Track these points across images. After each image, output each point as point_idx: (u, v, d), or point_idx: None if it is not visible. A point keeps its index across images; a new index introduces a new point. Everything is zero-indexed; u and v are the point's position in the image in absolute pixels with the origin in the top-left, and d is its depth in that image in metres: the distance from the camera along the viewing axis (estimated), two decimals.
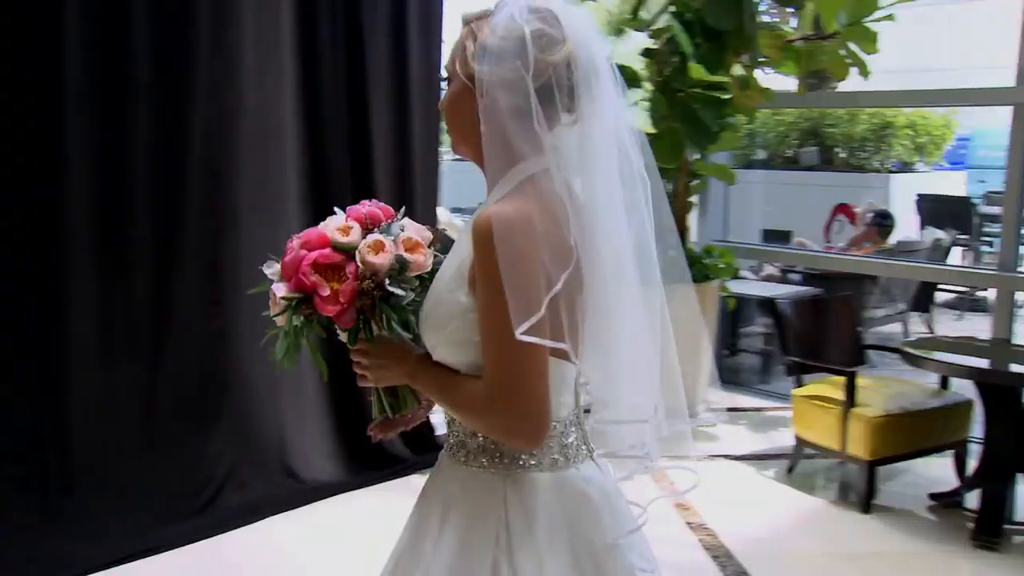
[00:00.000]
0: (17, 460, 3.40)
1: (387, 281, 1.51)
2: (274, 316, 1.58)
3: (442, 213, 5.65)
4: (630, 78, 4.37)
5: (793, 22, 5.30)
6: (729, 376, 6.48)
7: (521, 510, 1.48)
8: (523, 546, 1.46)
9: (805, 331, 4.68)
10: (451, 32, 4.86)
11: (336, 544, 3.68)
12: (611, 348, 1.51)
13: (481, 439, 1.51)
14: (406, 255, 1.54)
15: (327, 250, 1.52)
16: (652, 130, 4.44)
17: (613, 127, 1.48)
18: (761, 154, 10.72)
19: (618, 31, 4.62)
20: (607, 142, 1.47)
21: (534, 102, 1.40)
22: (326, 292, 1.50)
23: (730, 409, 5.73)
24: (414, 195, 4.54)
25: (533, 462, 1.49)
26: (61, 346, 3.45)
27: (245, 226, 3.89)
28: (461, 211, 8.42)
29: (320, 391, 4.25)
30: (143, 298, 3.66)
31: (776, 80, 5.36)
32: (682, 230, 5.56)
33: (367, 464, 4.29)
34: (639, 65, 4.48)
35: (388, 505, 4.03)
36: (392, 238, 1.55)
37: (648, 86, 4.51)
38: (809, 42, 4.98)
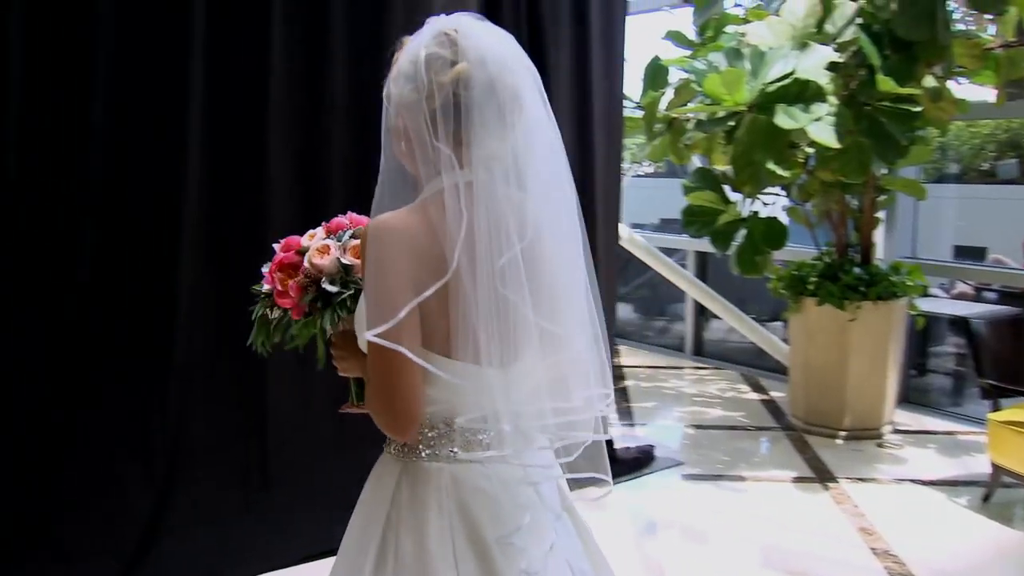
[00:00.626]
0: (220, 456, 3.66)
1: (323, 279, 1.70)
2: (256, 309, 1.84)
3: (623, 230, 5.71)
4: (815, 92, 4.31)
5: (991, 29, 5.07)
6: (917, 397, 6.22)
7: (412, 495, 1.57)
8: (408, 528, 1.55)
9: (1003, 352, 4.47)
10: (633, 48, 4.96)
11: None
12: (559, 345, 1.57)
13: None
14: (349, 259, 1.73)
15: (291, 252, 1.76)
16: (837, 145, 4.35)
17: (545, 138, 1.57)
18: (954, 168, 10.22)
19: (802, 45, 4.55)
20: (542, 154, 1.56)
21: (438, 119, 1.48)
22: (279, 287, 1.74)
23: (918, 431, 5.50)
24: (595, 211, 4.61)
25: (427, 453, 1.58)
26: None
27: None
28: (642, 227, 8.45)
29: None
30: None
31: (971, 90, 5.14)
32: (868, 246, 5.40)
33: None
34: (824, 79, 4.40)
35: None
36: (340, 244, 1.75)
37: (833, 100, 4.42)
38: (1010, 49, 4.75)
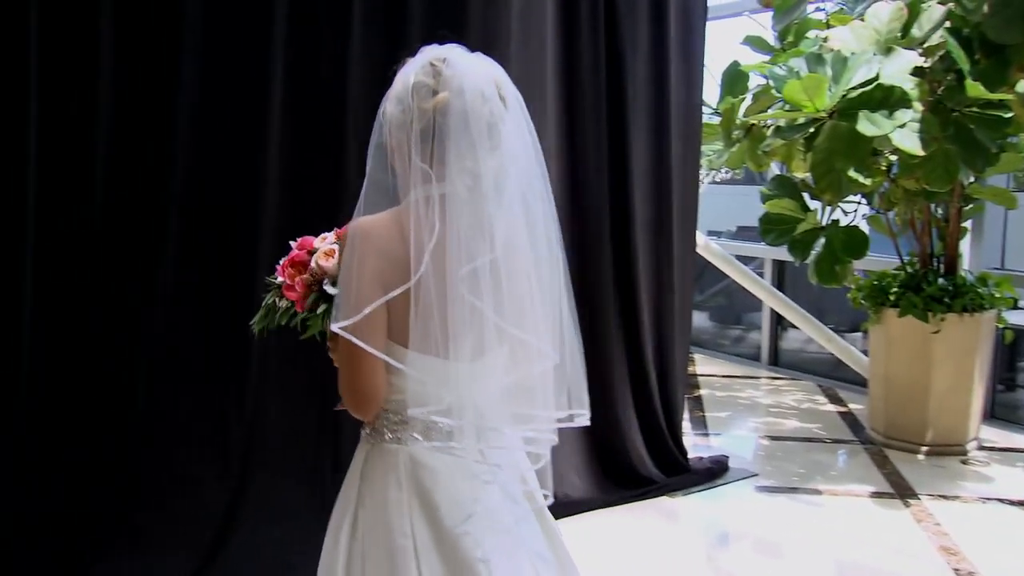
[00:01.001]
0: (293, 453, 3.71)
1: (325, 280, 1.85)
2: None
3: (699, 237, 5.64)
4: (899, 98, 4.20)
5: None
6: (1005, 413, 6.02)
7: (375, 473, 1.76)
8: (371, 502, 1.75)
9: None
10: (712, 54, 4.90)
11: (582, 562, 3.74)
12: (530, 356, 1.74)
13: None
14: None
15: (303, 252, 1.92)
16: (921, 152, 4.23)
17: (522, 163, 1.75)
18: None
19: (887, 50, 4.44)
20: (518, 177, 1.74)
21: (414, 140, 1.67)
22: (288, 281, 1.91)
23: (1006, 449, 5.33)
24: (671, 218, 4.57)
25: (390, 436, 1.76)
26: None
27: None
28: (718, 235, 8.35)
29: None
30: None
31: None
32: (953, 257, 5.25)
33: (617, 482, 4.34)
34: (909, 85, 4.28)
35: (636, 526, 4.08)
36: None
37: (918, 106, 4.30)
38: None
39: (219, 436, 3.60)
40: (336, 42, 3.64)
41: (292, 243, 1.97)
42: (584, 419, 1.85)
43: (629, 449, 4.41)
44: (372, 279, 1.65)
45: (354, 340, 1.64)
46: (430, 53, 1.73)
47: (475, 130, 1.67)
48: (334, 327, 1.64)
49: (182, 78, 3.37)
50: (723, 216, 8.84)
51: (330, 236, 1.92)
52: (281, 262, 1.95)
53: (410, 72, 1.71)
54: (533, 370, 1.75)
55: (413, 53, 1.78)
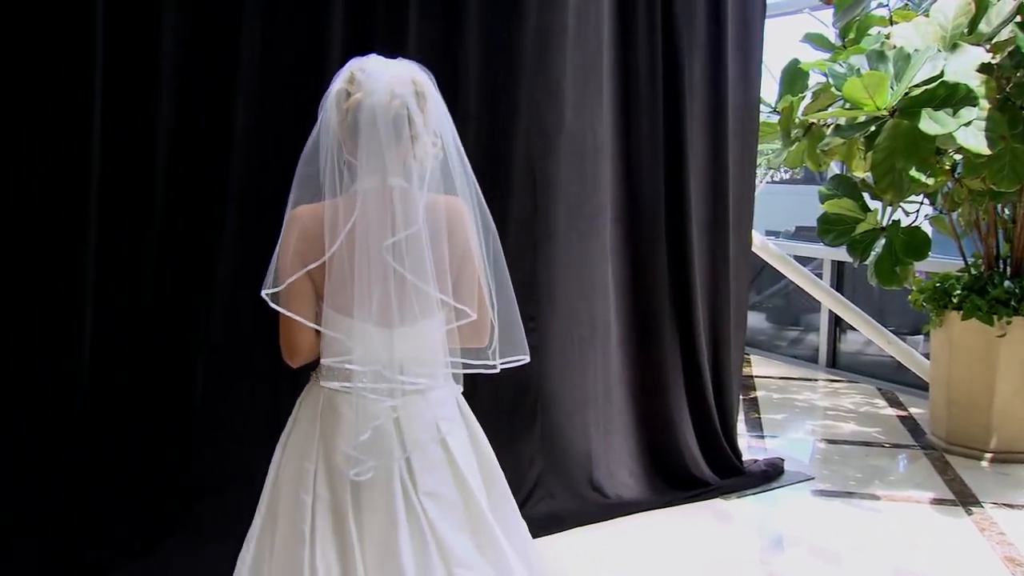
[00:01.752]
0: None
1: None
2: None
3: (756, 237, 5.57)
4: (964, 96, 4.10)
5: None
6: None
7: (304, 409, 2.11)
8: (293, 428, 2.13)
9: None
10: (770, 52, 4.83)
11: (635, 563, 3.72)
12: (451, 313, 2.07)
13: None
14: None
15: None
16: (987, 151, 4.13)
17: (458, 155, 2.05)
18: None
19: (952, 46, 4.34)
20: (455, 167, 2.04)
21: (343, 137, 2.00)
22: None
23: None
24: (728, 218, 4.52)
25: (321, 380, 2.09)
26: None
27: (561, 245, 4.05)
28: (776, 235, 8.24)
29: (627, 408, 4.32)
30: None
31: None
32: (1021, 259, 5.12)
33: (671, 484, 4.30)
34: (975, 82, 4.18)
35: (689, 528, 4.04)
36: None
37: (985, 104, 4.20)
38: None
39: (273, 428, 3.62)
40: (392, 40, 3.65)
41: None
42: (523, 360, 2.17)
43: (683, 450, 4.37)
44: (293, 257, 1.99)
45: (273, 305, 2.02)
46: (353, 64, 2.05)
47: (386, 123, 1.95)
48: (262, 293, 2.01)
49: (239, 76, 3.42)
50: (781, 216, 8.72)
51: None
52: None
53: (337, 81, 2.03)
54: (456, 325, 2.07)
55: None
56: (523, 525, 2.29)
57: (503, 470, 3.43)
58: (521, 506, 3.87)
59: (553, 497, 4.02)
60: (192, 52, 3.38)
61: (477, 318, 2.08)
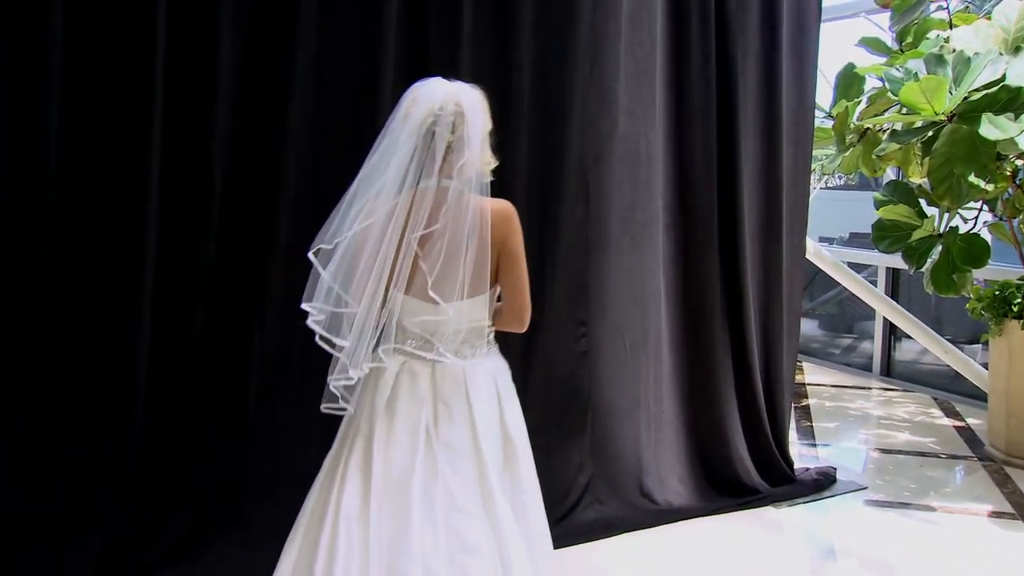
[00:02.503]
0: None
1: None
2: None
3: (809, 244, 5.52)
4: None
5: None
6: None
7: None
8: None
9: None
10: (826, 56, 4.77)
11: (683, 570, 3.70)
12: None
13: None
14: None
15: None
16: None
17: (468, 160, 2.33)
18: None
19: (1015, 49, 4.26)
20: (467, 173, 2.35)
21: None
22: None
23: None
24: (781, 224, 4.48)
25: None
26: None
27: (613, 250, 4.05)
28: (830, 241, 8.15)
29: (678, 415, 4.30)
30: None
31: None
32: None
33: (721, 491, 4.28)
34: None
35: (739, 535, 4.01)
36: None
37: None
38: None
39: (325, 435, 3.67)
40: (446, 48, 3.68)
41: None
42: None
43: (733, 457, 4.34)
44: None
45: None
46: (416, 84, 2.42)
47: (419, 135, 2.31)
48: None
49: (294, 81, 3.46)
50: (836, 222, 8.63)
51: None
52: None
53: (403, 99, 2.40)
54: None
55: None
56: (539, 518, 2.54)
57: (552, 476, 3.42)
58: (570, 511, 3.91)
59: (602, 503, 4.02)
60: (249, 59, 3.43)
61: (514, 305, 2.43)
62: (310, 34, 3.47)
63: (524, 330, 2.48)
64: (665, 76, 4.19)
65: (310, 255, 2.31)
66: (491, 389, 2.44)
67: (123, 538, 3.32)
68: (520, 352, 3.92)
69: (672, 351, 4.29)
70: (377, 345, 2.35)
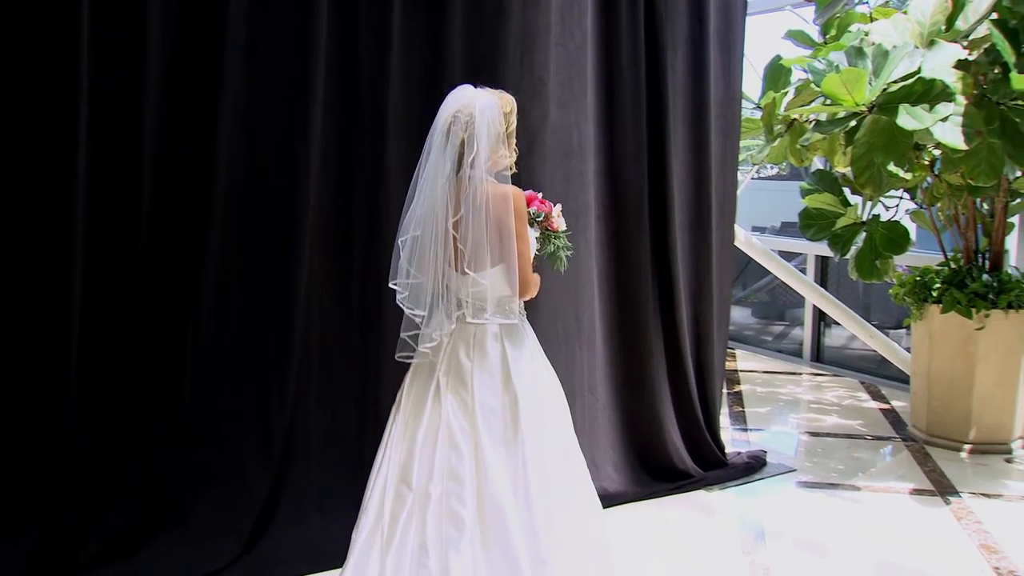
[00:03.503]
0: (333, 451, 3.77)
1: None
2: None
3: (739, 232, 5.63)
4: (940, 92, 4.16)
5: None
6: None
7: None
8: None
9: None
10: (754, 49, 4.86)
11: (619, 554, 3.75)
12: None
13: None
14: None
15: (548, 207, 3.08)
16: (964, 147, 4.19)
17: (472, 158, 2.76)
18: None
19: (930, 43, 4.40)
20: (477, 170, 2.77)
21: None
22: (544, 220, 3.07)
23: None
24: (710, 213, 4.57)
25: None
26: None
27: None
28: (763, 231, 8.31)
29: (611, 403, 4.37)
30: None
31: None
32: (998, 252, 5.19)
33: (655, 476, 4.36)
34: (951, 78, 4.24)
35: (672, 520, 4.09)
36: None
37: (961, 100, 4.26)
38: None
39: (262, 427, 3.67)
40: (376, 40, 3.69)
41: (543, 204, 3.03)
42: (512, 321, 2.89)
43: (666, 443, 4.42)
44: None
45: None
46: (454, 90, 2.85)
47: (438, 133, 2.77)
48: None
49: (224, 77, 3.46)
50: (768, 212, 8.80)
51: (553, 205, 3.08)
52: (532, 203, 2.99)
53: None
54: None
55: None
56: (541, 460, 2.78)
57: None
58: None
59: None
60: (178, 53, 3.42)
61: (512, 275, 2.79)
62: (240, 29, 3.46)
63: (527, 297, 2.89)
64: (596, 67, 4.24)
65: (398, 241, 2.77)
66: (492, 345, 2.83)
67: (56, 536, 3.29)
68: None
69: (605, 340, 4.35)
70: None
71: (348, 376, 3.81)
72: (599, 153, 4.28)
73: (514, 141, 2.92)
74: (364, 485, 3.72)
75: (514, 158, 2.88)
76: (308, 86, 3.55)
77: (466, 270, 2.76)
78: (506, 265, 2.79)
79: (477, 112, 2.75)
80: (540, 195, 3.12)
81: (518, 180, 3.99)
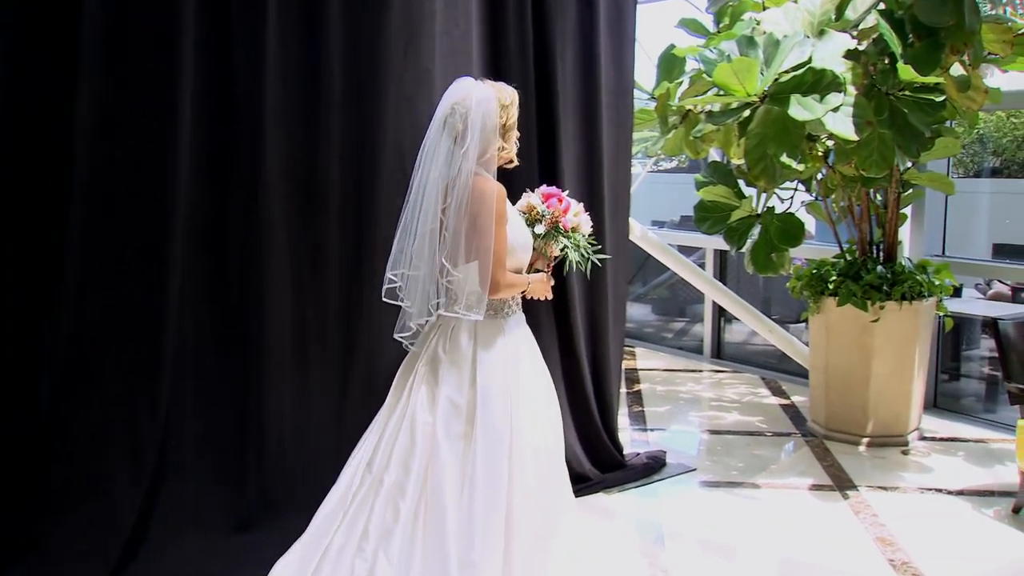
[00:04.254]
0: (211, 458, 3.56)
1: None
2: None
3: (636, 226, 5.52)
4: (831, 82, 4.09)
5: None
6: (947, 403, 5.98)
7: None
8: None
9: None
10: (649, 38, 4.74)
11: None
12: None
13: None
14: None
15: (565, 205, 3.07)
16: (854, 137, 4.13)
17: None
18: (994, 161, 9.88)
19: (820, 32, 4.34)
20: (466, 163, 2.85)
21: None
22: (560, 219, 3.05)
23: (947, 439, 5.28)
24: (603, 206, 4.43)
25: None
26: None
27: None
28: (662, 225, 8.24)
29: None
30: (331, 298, 3.76)
31: (1012, 80, 4.91)
32: (892, 244, 5.19)
33: None
34: (841, 68, 4.18)
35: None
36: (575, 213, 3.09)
37: (851, 90, 4.21)
38: None
39: (130, 438, 3.42)
40: (249, 27, 3.48)
41: (535, 192, 3.10)
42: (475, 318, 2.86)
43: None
44: None
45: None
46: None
47: (435, 124, 2.86)
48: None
49: (81, 66, 3.22)
50: (667, 205, 8.76)
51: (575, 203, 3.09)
52: (543, 200, 3.04)
53: None
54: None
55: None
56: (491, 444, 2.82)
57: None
58: None
59: None
60: (32, 49, 3.18)
61: (484, 272, 2.80)
62: (97, 17, 3.22)
63: (496, 297, 2.87)
64: (482, 57, 4.07)
65: (398, 231, 2.88)
66: (461, 338, 2.86)
67: None
68: (342, 344, 3.76)
69: None
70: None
71: (228, 379, 3.60)
72: None
73: (516, 134, 2.96)
74: (245, 494, 3.57)
75: (515, 151, 2.96)
76: (173, 80, 3.33)
77: (444, 261, 2.82)
78: (479, 262, 2.80)
79: (473, 104, 2.80)
80: (566, 192, 3.10)
81: (404, 175, 3.84)
